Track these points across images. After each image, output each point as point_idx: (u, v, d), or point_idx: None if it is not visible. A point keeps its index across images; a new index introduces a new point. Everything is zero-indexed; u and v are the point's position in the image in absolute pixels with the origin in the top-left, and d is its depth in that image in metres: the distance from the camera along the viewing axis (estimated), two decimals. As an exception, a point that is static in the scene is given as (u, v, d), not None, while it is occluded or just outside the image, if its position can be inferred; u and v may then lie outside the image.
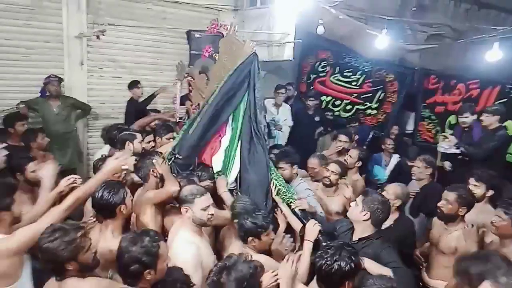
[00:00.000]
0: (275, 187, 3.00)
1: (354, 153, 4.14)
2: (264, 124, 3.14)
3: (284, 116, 5.63)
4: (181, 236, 2.37)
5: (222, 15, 5.68)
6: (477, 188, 3.24)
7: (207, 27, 4.58)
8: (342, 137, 4.55)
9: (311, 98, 5.79)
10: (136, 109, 5.02)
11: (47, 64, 4.81)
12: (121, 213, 2.32)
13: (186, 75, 4.25)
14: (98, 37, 4.39)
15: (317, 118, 5.70)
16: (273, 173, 3.05)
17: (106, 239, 2.26)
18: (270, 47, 5.54)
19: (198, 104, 3.62)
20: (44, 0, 4.67)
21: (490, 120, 4.39)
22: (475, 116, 4.63)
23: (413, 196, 3.80)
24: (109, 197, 2.27)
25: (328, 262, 1.94)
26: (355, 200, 2.62)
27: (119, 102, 5.25)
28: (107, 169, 2.49)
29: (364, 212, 2.46)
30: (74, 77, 4.94)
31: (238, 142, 3.10)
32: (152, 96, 5.13)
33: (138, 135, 3.40)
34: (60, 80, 4.60)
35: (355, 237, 2.51)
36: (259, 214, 2.44)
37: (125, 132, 3.42)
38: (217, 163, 3.14)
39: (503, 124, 4.56)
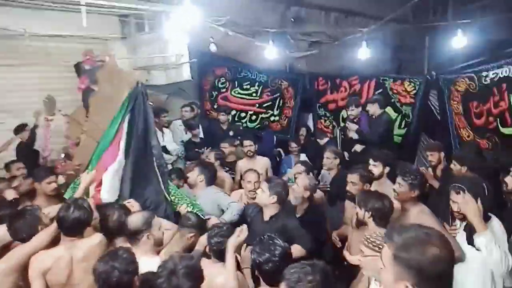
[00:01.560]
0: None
1: None
2: (155, 144, 3.23)
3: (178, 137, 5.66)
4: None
5: (111, 44, 5.53)
6: (375, 167, 3.72)
7: (82, 60, 4.49)
8: (247, 142, 4.82)
9: (222, 113, 5.95)
10: (28, 153, 4.59)
11: None
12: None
13: (59, 110, 4.22)
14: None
15: (231, 133, 5.86)
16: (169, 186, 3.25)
17: None
18: (167, 70, 5.56)
19: (78, 138, 3.69)
20: None
21: (373, 109, 5.14)
22: (360, 108, 5.38)
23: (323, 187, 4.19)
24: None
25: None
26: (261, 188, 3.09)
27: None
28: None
29: (272, 196, 2.97)
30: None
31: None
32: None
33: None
34: None
35: (266, 217, 3.02)
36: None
37: None
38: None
39: (384, 110, 5.35)
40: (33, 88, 4.91)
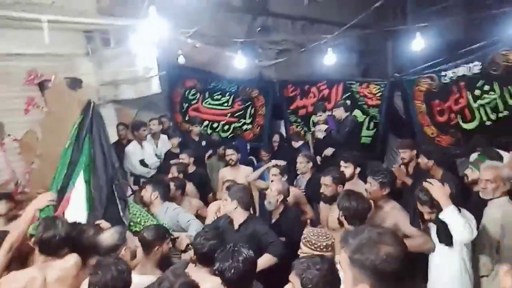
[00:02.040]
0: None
1: None
2: (117, 165, 3.18)
3: (165, 147, 5.60)
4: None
5: (76, 60, 5.42)
6: (346, 168, 3.82)
7: (24, 79, 4.37)
8: (229, 151, 4.81)
9: (195, 125, 5.93)
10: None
11: None
12: None
13: (8, 135, 4.13)
14: None
15: (203, 143, 5.84)
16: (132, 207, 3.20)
17: None
18: (135, 84, 5.50)
19: (32, 162, 3.69)
20: None
21: (339, 113, 5.37)
22: (328, 112, 5.58)
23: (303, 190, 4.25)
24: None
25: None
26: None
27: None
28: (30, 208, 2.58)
29: (233, 203, 3.03)
30: None
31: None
32: None
33: None
34: None
35: (236, 226, 3.05)
36: None
37: None
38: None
39: (352, 114, 5.55)
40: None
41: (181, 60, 5.34)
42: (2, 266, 2.34)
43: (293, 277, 1.80)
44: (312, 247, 2.32)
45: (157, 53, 5.21)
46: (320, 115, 5.57)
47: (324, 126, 5.39)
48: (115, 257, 2.21)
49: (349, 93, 6.36)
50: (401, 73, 6.26)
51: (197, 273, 2.43)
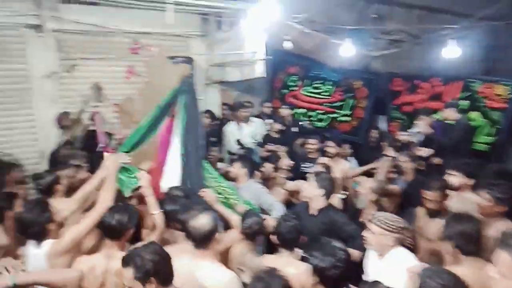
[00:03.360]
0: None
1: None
2: (202, 143, 3.27)
3: (260, 130, 5.71)
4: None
5: (191, 41, 5.78)
6: (454, 177, 3.40)
7: (128, 48, 4.57)
8: (311, 141, 4.75)
9: (284, 106, 5.93)
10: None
11: (15, 106, 4.74)
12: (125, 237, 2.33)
13: (108, 99, 4.36)
14: (69, 71, 4.36)
15: (294, 129, 5.81)
16: (215, 178, 3.24)
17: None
18: (241, 67, 5.67)
19: (128, 127, 3.72)
20: (7, 42, 4.61)
21: (449, 114, 4.79)
22: (432, 118, 5.03)
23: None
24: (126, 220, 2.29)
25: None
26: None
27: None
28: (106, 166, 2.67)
29: (320, 190, 3.02)
30: (45, 116, 4.84)
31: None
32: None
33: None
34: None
35: (315, 211, 3.04)
36: None
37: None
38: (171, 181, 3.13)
39: (468, 116, 4.93)
40: (119, 82, 5.30)
41: (288, 45, 5.31)
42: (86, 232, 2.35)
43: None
44: (386, 227, 2.33)
45: (265, 37, 5.27)
46: (423, 119, 5.00)
47: (419, 130, 4.86)
48: None
49: (469, 93, 5.66)
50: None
51: (279, 258, 2.45)
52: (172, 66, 3.70)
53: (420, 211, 3.29)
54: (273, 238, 2.57)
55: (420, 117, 5.07)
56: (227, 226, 2.81)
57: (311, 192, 3.08)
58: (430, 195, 3.09)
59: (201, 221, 2.22)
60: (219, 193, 3.17)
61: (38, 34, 4.68)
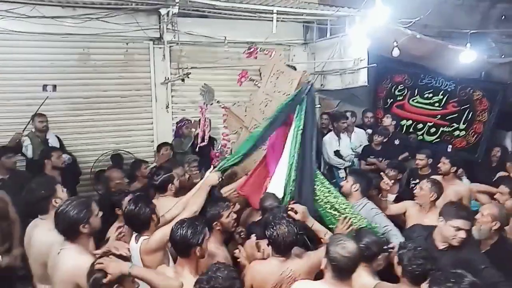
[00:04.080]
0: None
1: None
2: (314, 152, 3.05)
3: (359, 141, 5.45)
4: None
5: (293, 49, 5.82)
6: None
7: (244, 52, 4.41)
8: (420, 156, 4.38)
9: (388, 115, 5.59)
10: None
11: (138, 110, 5.32)
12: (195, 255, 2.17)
13: (217, 101, 4.30)
14: (183, 80, 4.72)
15: (396, 142, 5.40)
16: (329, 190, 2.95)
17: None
18: (343, 75, 5.49)
19: (236, 132, 3.77)
20: (134, 54, 5.23)
21: None
22: None
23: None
24: (188, 235, 2.13)
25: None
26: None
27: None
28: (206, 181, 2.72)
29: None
30: (160, 120, 5.35)
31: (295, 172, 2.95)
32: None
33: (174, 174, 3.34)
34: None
35: (439, 246, 2.55)
36: None
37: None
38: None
39: None
40: (224, 89, 5.57)
41: (396, 52, 4.95)
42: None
43: None
44: None
45: (369, 44, 5.02)
46: None
47: None
48: None
49: None
50: None
51: None
52: (288, 71, 3.50)
53: None
54: (397, 269, 2.24)
55: None
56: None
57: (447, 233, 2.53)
58: None
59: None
60: (332, 207, 2.90)
61: (158, 45, 5.21)
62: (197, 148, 4.49)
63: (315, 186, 2.96)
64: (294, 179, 2.92)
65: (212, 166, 3.05)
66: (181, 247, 2.15)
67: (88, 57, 5.01)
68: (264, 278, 2.30)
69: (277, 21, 4.72)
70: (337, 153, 5.29)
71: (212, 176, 2.81)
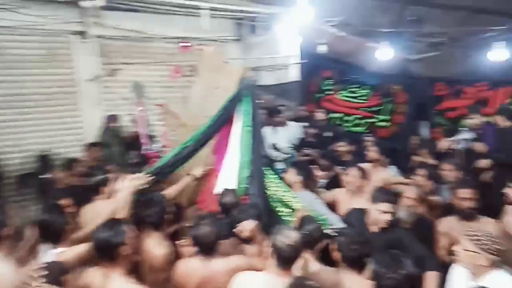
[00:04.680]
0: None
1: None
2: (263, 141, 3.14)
3: (295, 134, 5.65)
4: None
5: (226, 46, 5.87)
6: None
7: (179, 47, 4.40)
8: (341, 143, 4.63)
9: (320, 110, 5.82)
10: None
11: (62, 108, 4.99)
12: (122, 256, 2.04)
13: (150, 99, 4.19)
14: (112, 76, 4.53)
15: (328, 134, 5.71)
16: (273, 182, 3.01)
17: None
18: (275, 71, 5.68)
19: (174, 130, 3.60)
20: (56, 48, 4.89)
21: (499, 120, 4.38)
22: (483, 118, 4.62)
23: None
24: (109, 236, 2.02)
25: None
26: None
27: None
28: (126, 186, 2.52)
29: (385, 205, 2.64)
30: (90, 118, 5.07)
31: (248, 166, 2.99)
32: None
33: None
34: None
35: (372, 229, 2.70)
36: None
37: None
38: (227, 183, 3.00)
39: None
40: (158, 85, 5.45)
41: (322, 49, 5.25)
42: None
43: None
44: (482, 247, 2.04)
45: (300, 41, 5.25)
46: (472, 118, 4.61)
47: (470, 135, 4.52)
48: None
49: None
50: None
51: (349, 279, 2.23)
52: (228, 67, 3.46)
53: (450, 220, 3.07)
54: (336, 255, 2.33)
55: (469, 115, 4.68)
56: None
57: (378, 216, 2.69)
58: (465, 192, 2.91)
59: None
60: (284, 205, 2.93)
61: (82, 40, 4.93)
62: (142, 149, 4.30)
63: (265, 183, 2.99)
64: (246, 177, 2.94)
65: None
66: (106, 250, 2.01)
67: (4, 51, 4.59)
68: (186, 277, 2.27)
69: (209, 17, 4.73)
70: (274, 146, 5.45)
71: (132, 181, 2.58)
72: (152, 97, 5.40)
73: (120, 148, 4.70)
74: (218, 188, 2.99)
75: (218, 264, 2.25)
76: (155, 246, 2.36)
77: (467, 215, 2.90)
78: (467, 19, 6.77)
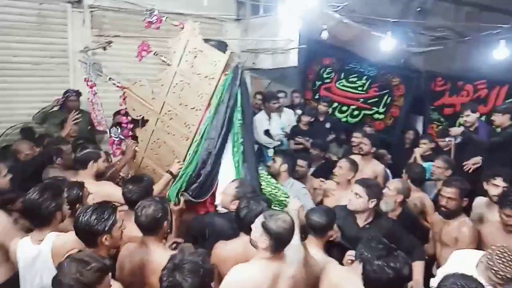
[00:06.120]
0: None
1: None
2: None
3: (289, 121, 5.57)
4: None
5: (225, 25, 5.71)
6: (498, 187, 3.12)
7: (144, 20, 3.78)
8: (364, 140, 4.37)
9: (324, 103, 5.69)
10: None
11: (53, 79, 4.83)
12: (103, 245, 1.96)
13: (110, 78, 3.64)
14: (104, 48, 4.37)
15: (327, 125, 5.63)
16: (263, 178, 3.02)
17: None
18: (274, 54, 5.55)
19: (143, 118, 3.35)
20: (49, 16, 4.71)
21: (501, 120, 4.32)
22: (477, 114, 4.53)
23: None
24: (92, 222, 1.93)
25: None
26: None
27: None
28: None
29: (371, 200, 2.71)
30: (81, 90, 4.92)
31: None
32: None
33: (102, 154, 3.09)
34: (79, 94, 4.57)
35: (361, 224, 2.75)
36: None
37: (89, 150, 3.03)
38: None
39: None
40: (151, 62, 5.25)
41: (324, 35, 5.11)
42: None
43: None
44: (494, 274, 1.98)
45: (301, 25, 5.10)
46: (468, 115, 4.45)
47: (460, 130, 4.45)
48: None
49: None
50: None
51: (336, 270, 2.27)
52: (210, 51, 3.10)
53: (435, 218, 3.17)
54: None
55: (465, 113, 4.52)
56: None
57: (362, 206, 2.73)
58: (449, 192, 2.90)
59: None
60: (272, 194, 2.94)
61: (77, 9, 4.75)
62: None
63: (259, 180, 2.99)
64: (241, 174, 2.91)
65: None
66: (86, 235, 1.93)
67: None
68: None
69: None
70: (267, 132, 5.38)
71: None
72: (145, 73, 5.23)
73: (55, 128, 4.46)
74: (218, 188, 2.96)
75: None
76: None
77: (443, 214, 2.95)
78: (472, 16, 6.66)
